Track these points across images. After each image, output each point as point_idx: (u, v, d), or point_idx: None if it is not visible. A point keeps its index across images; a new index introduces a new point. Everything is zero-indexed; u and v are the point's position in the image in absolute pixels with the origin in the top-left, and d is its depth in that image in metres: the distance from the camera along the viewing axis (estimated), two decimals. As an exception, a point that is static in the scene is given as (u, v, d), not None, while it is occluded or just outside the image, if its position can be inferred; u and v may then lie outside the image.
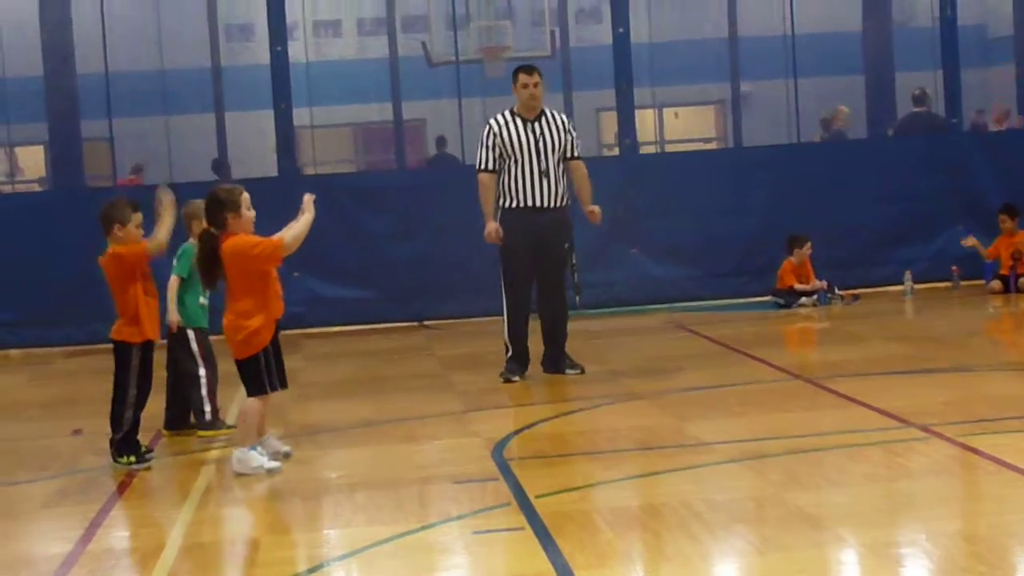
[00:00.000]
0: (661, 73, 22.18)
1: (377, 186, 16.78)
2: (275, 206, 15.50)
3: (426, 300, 16.01)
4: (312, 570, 6.31)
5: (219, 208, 8.35)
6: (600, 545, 6.38)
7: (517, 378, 11.14)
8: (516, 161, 11.05)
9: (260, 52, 19.41)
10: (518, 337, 11.25)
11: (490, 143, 11.13)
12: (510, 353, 11.28)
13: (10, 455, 9.67)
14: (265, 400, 8.44)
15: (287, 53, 16.30)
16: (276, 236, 8.37)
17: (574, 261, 11.36)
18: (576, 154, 11.29)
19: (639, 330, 14.50)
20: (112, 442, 8.81)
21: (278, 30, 16.33)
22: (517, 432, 9.21)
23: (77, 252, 15.61)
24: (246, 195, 8.41)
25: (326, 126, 24.69)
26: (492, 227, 11.06)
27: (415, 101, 24.65)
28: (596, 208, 11.27)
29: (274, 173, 16.67)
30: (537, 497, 7.26)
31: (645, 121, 23.98)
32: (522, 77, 11.17)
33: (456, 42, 20.60)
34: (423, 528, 6.90)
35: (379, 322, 15.86)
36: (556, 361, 11.29)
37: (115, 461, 8.76)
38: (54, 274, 15.50)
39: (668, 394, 10.40)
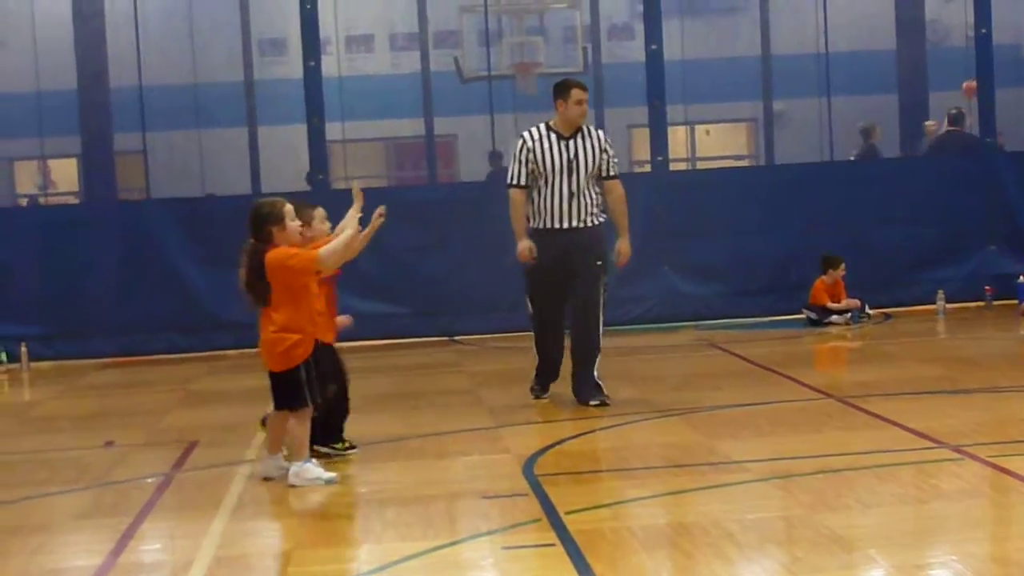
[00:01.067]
0: (693, 90, 22.12)
1: (408, 201, 16.80)
2: (307, 220, 15.65)
3: (456, 315, 16.02)
4: (342, 585, 6.32)
5: (263, 221, 8.37)
6: (631, 564, 6.37)
7: (545, 396, 11.01)
8: (547, 181, 10.63)
9: (293, 67, 19.49)
10: (544, 354, 11.01)
11: (523, 158, 10.70)
12: (537, 373, 11.13)
13: (42, 467, 9.70)
14: (307, 413, 8.45)
15: (320, 68, 16.35)
16: (315, 250, 8.43)
17: (606, 281, 10.81)
18: (612, 173, 10.81)
19: (669, 347, 14.47)
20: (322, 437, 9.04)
21: (311, 45, 16.39)
22: (547, 448, 9.20)
23: (109, 265, 15.76)
24: (289, 207, 8.44)
25: (358, 141, 24.71)
26: (524, 245, 10.68)
27: (447, 116, 24.67)
28: (625, 246, 10.88)
29: (306, 187, 16.73)
30: (568, 514, 7.25)
31: (677, 138, 23.97)
32: (576, 93, 10.66)
33: (488, 58, 20.62)
34: (453, 543, 6.90)
35: (409, 337, 15.87)
36: (580, 387, 10.75)
37: (329, 451, 9.08)
38: (86, 287, 15.58)
39: (698, 412, 10.38)
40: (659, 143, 16.71)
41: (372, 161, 28.68)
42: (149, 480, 8.90)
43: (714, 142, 28.19)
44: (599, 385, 10.70)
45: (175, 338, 15.76)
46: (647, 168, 17.93)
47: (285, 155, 22.46)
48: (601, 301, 10.73)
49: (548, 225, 10.70)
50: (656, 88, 16.56)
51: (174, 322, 15.73)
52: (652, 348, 14.45)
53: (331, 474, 8.42)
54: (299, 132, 16.98)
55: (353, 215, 8.74)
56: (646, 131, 17.12)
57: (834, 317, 15.38)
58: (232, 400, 12.44)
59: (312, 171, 16.49)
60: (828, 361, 14.17)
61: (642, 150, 20.04)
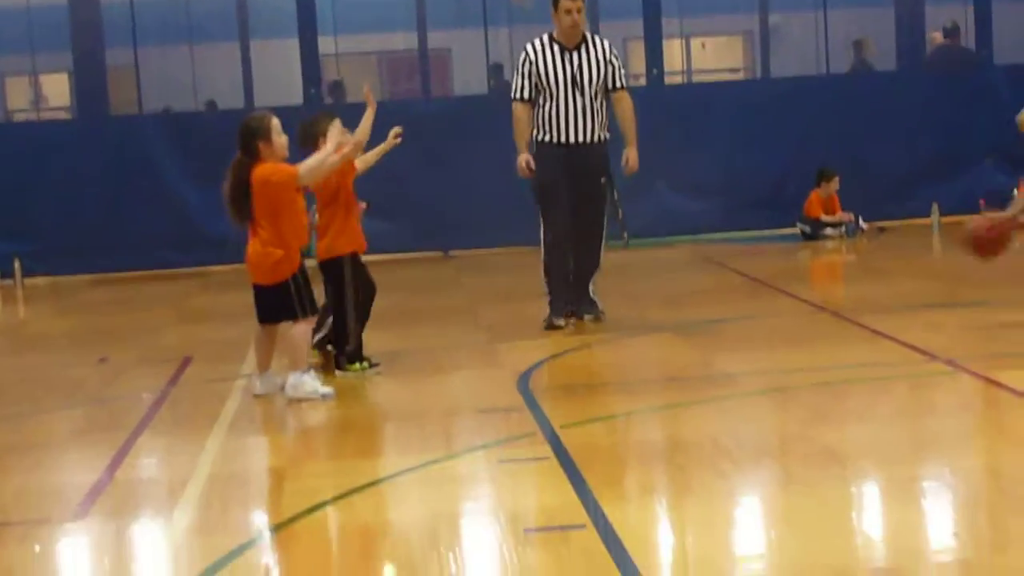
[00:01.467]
0: (689, 3, 21.95)
1: (403, 115, 16.68)
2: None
3: (452, 231, 15.99)
4: (338, 498, 6.33)
5: (250, 136, 8.36)
6: (625, 477, 6.40)
7: (562, 323, 10.42)
8: (551, 95, 10.34)
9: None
10: (557, 280, 10.54)
11: (525, 71, 10.44)
12: (551, 298, 10.58)
13: (37, 384, 9.72)
14: (305, 324, 8.46)
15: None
16: (298, 166, 8.42)
17: (616, 196, 10.62)
18: (620, 84, 10.48)
19: (665, 263, 14.48)
20: (340, 354, 9.03)
21: (303, -42, 16.24)
22: (542, 363, 9.21)
23: (102, 180, 15.71)
24: (275, 120, 8.42)
25: (351, 54, 24.54)
26: (523, 159, 10.44)
27: (441, 30, 24.48)
28: (633, 155, 10.56)
29: (300, 101, 16.63)
30: (562, 427, 7.27)
31: (672, 51, 23.80)
32: (564, 2, 10.31)
33: (483, -30, 20.40)
34: (449, 457, 6.92)
35: (406, 252, 15.85)
36: (576, 301, 10.60)
37: (343, 369, 8.98)
38: (79, 203, 15.54)
39: (694, 326, 10.38)
40: (655, 56, 16.62)
41: (365, 75, 28.50)
42: (144, 396, 8.92)
43: (709, 55, 28.01)
44: (594, 300, 10.62)
45: (168, 254, 15.75)
46: (642, 82, 17.82)
47: (278, 69, 22.31)
48: (605, 219, 10.55)
49: (555, 139, 10.41)
50: (652, 1, 16.43)
51: (167, 238, 15.70)
52: (647, 263, 14.44)
53: (327, 388, 8.43)
54: (292, 46, 16.87)
55: (366, 119, 8.81)
56: (642, 44, 17.00)
57: (828, 230, 15.38)
58: (225, 316, 12.43)
59: (305, 85, 16.39)
60: (823, 275, 14.17)
61: (637, 63, 19.92)
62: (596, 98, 10.40)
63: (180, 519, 6.14)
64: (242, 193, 8.35)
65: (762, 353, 9.24)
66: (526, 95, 10.49)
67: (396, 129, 9.03)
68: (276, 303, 8.43)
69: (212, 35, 23.32)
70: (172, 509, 6.29)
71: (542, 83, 10.41)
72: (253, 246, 8.43)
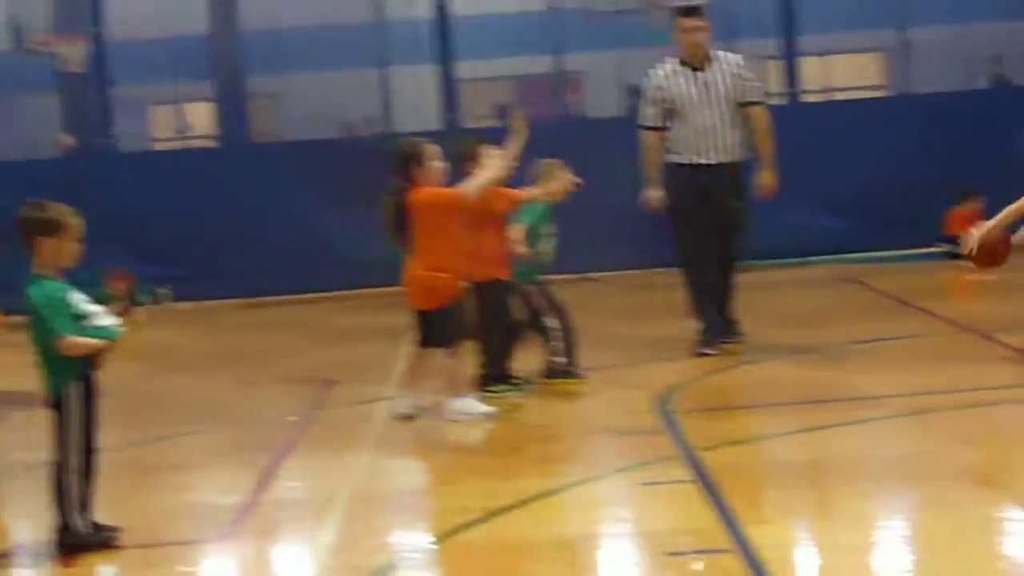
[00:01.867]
0: (826, 20, 21.78)
1: (538, 138, 16.77)
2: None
3: (588, 252, 15.99)
4: (480, 520, 6.38)
5: (406, 161, 8.45)
6: (767, 500, 6.37)
7: (712, 351, 10.13)
8: (682, 115, 10.18)
9: (423, 6, 19.51)
10: (700, 305, 10.33)
11: (652, 96, 10.32)
12: (702, 326, 10.30)
13: (185, 406, 9.91)
14: (462, 350, 8.54)
15: (450, 7, 16.38)
16: (462, 187, 8.49)
17: (748, 224, 10.37)
18: (752, 99, 10.20)
19: (805, 282, 14.36)
20: (483, 376, 9.03)
21: (440, -16, 16.43)
22: (682, 385, 9.19)
23: (246, 206, 15.99)
24: (431, 147, 8.50)
25: (487, 79, 24.72)
26: (651, 196, 10.28)
27: (576, 53, 24.55)
28: (767, 177, 10.28)
29: (438, 127, 16.80)
30: (703, 450, 7.25)
31: (810, 69, 23.63)
32: (682, 21, 10.17)
33: (617, -7, 20.48)
34: (589, 480, 6.94)
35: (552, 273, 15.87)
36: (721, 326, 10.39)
37: (490, 392, 8.95)
38: (224, 229, 15.82)
39: (834, 347, 10.29)
40: (791, 74, 16.52)
41: (501, 99, 28.66)
42: (289, 418, 9.05)
43: (846, 72, 27.75)
44: (735, 322, 10.47)
45: (310, 278, 15.96)
46: (779, 100, 17.73)
47: (415, 95, 22.54)
48: (742, 243, 10.37)
49: (687, 160, 10.23)
50: (788, 19, 16.35)
51: (308, 262, 15.92)
52: (786, 283, 14.34)
53: (490, 408, 8.48)
54: (429, 72, 17.04)
55: (514, 145, 8.80)
56: (778, 62, 16.92)
57: (972, 250, 15.14)
58: (366, 339, 12.58)
59: (443, 110, 16.55)
60: (965, 295, 13.95)
61: (774, 82, 19.81)
62: (728, 116, 10.16)
63: (326, 539, 6.23)
64: (400, 217, 8.42)
65: (904, 374, 9.13)
66: (652, 122, 10.35)
67: (516, 114, 9.12)
68: (436, 328, 8.48)
69: (351, 62, 23.61)
70: (318, 529, 6.38)
71: (672, 104, 10.25)
72: (414, 270, 8.49)
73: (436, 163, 8.48)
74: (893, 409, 8.06)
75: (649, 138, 10.38)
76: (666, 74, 10.32)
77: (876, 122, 16.40)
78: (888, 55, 27.25)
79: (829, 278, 14.50)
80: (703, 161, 10.19)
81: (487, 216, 8.90)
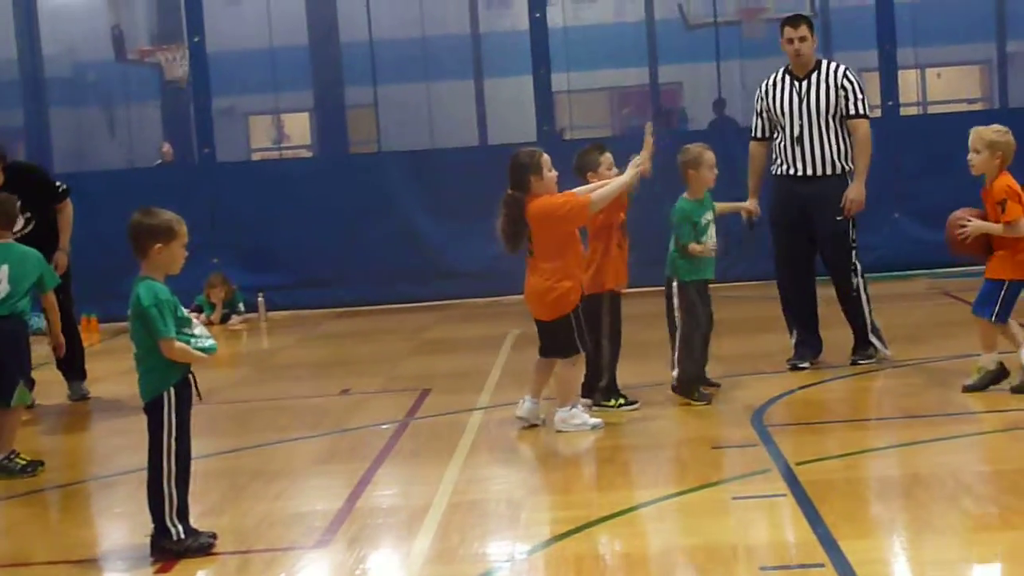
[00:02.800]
0: (924, 33, 21.61)
1: (634, 149, 16.77)
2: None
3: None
4: (575, 531, 6.39)
5: (522, 171, 8.43)
6: (864, 515, 6.33)
7: (806, 364, 10.09)
8: (781, 126, 10.14)
9: (519, 18, 19.60)
10: (797, 318, 10.27)
11: (758, 107, 10.32)
12: (794, 339, 10.28)
13: (282, 413, 10.01)
14: (579, 360, 8.53)
15: (545, 19, 16.43)
16: (583, 194, 8.47)
17: (854, 238, 10.17)
18: (853, 112, 10.04)
19: (902, 296, 14.23)
20: (596, 389, 9.02)
21: (537, -4, 16.47)
22: (777, 398, 9.15)
23: (342, 215, 16.13)
24: (546, 157, 8.51)
25: (583, 91, 24.76)
26: (747, 206, 10.15)
27: (672, 64, 24.53)
28: (854, 191, 10.04)
29: (533, 138, 16.83)
30: (798, 464, 7.23)
31: (908, 82, 23.45)
32: (786, 31, 10.10)
33: (714, 4, 20.42)
34: (683, 492, 6.93)
35: (636, 286, 15.84)
36: (855, 346, 10.22)
37: (601, 406, 8.96)
38: (321, 238, 15.96)
39: (933, 362, 10.20)
40: (890, 87, 16.40)
41: (597, 110, 28.69)
42: (385, 426, 9.12)
43: (945, 85, 27.50)
44: (870, 342, 10.20)
45: (406, 287, 16.05)
46: (877, 113, 17.60)
47: (511, 106, 22.62)
48: (850, 259, 10.14)
49: (784, 171, 10.19)
50: (886, 31, 16.24)
51: (405, 271, 16.02)
52: (884, 297, 14.15)
53: (596, 420, 8.49)
54: (525, 83, 17.09)
55: (643, 156, 8.82)
56: (875, 75, 16.79)
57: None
58: (463, 348, 12.65)
59: (539, 121, 16.60)
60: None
61: (873, 94, 19.67)
62: (829, 127, 10.06)
63: (419, 548, 6.27)
64: (517, 227, 8.40)
65: (1005, 391, 9.02)
66: (758, 133, 10.36)
67: (647, 126, 9.21)
68: (558, 338, 8.47)
69: (447, 73, 23.76)
70: (412, 538, 6.43)
71: (773, 113, 10.22)
72: (535, 281, 8.46)
73: (552, 173, 8.47)
74: (990, 425, 7.99)
75: (752, 147, 10.41)
76: (770, 84, 10.29)
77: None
78: (986, 68, 27.00)
79: (926, 292, 14.37)
80: (798, 172, 10.13)
81: (604, 226, 8.91)
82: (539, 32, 16.36)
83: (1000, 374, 8.77)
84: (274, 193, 16.20)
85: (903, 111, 18.09)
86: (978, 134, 8.91)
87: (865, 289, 10.24)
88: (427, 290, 16.00)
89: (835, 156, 10.08)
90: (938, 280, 15.07)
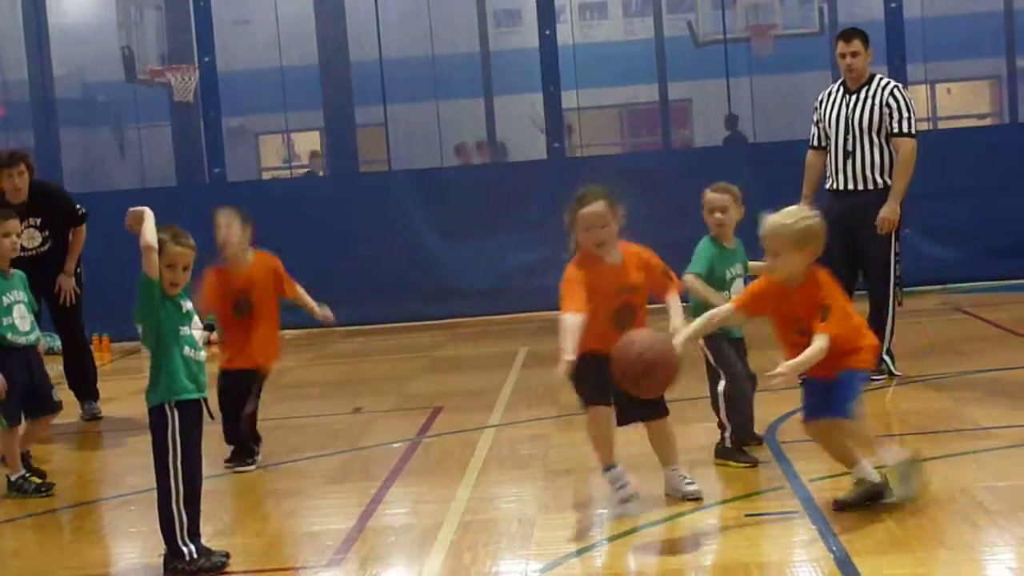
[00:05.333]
0: (934, 48, 21.64)
1: (643, 167, 16.81)
2: (545, 188, 15.79)
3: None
4: (587, 549, 6.40)
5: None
6: (878, 531, 6.31)
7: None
8: (830, 138, 10.17)
9: (528, 36, 19.65)
10: None
11: (814, 116, 10.36)
12: None
13: (294, 432, 10.01)
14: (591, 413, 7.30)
15: (555, 36, 16.47)
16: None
17: (897, 252, 10.17)
18: (896, 130, 9.98)
19: (914, 312, 14.20)
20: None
21: (546, 14, 16.51)
22: (789, 415, 9.12)
23: (353, 235, 16.14)
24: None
25: (593, 108, 24.81)
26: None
27: (681, 81, 24.58)
28: (885, 210, 9.97)
29: (543, 156, 16.87)
30: (811, 481, 7.22)
31: (917, 97, 23.50)
32: (839, 45, 10.17)
33: (723, 21, 20.48)
34: (695, 510, 6.92)
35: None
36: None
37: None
38: (331, 257, 15.97)
39: (945, 378, 10.19)
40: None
41: (607, 128, 28.75)
42: (396, 445, 9.12)
43: (955, 100, 27.53)
44: (883, 359, 10.11)
45: (417, 306, 16.06)
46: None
47: (521, 125, 22.68)
48: (890, 276, 10.11)
49: (832, 185, 10.19)
50: (896, 47, 16.25)
51: (416, 291, 16.03)
52: (897, 312, 14.18)
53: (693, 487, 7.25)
54: (535, 101, 17.13)
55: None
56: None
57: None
58: (474, 366, 12.65)
59: (548, 139, 16.63)
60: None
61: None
62: (874, 143, 10.03)
63: (432, 567, 6.27)
64: None
65: (1016, 405, 9.02)
66: (814, 142, 10.37)
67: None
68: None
69: (457, 92, 23.82)
70: (424, 557, 6.42)
71: (824, 124, 10.26)
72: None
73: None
74: (1004, 440, 7.96)
75: (808, 156, 10.43)
76: (826, 95, 10.34)
77: (985, 150, 16.23)
78: (996, 83, 27.02)
79: (938, 308, 14.36)
80: (844, 187, 10.15)
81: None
82: (549, 50, 16.38)
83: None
84: (284, 213, 16.22)
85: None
86: (776, 232, 6.67)
87: (895, 306, 10.21)
88: (438, 309, 16.00)
89: (878, 172, 10.07)
90: (950, 296, 15.06)
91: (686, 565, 6.07)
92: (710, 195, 8.23)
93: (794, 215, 6.72)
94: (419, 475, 8.27)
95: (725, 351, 8.14)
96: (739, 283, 8.05)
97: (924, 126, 24.03)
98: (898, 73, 16.36)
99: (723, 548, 6.36)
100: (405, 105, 21.97)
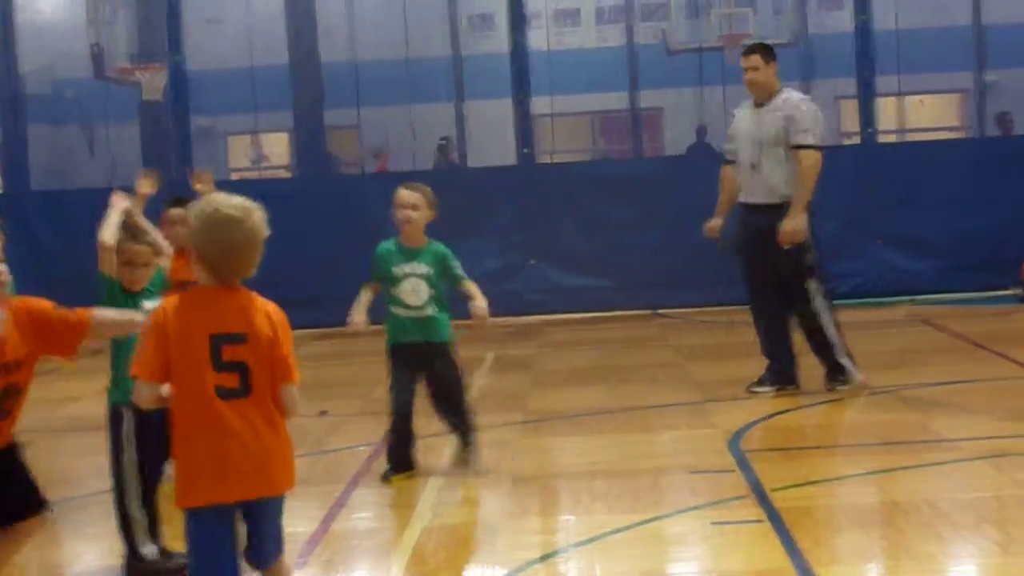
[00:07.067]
0: (904, 61, 21.71)
1: (614, 175, 16.83)
2: (514, 193, 15.79)
3: (662, 289, 15.99)
4: (550, 555, 6.38)
5: None
6: (841, 542, 6.32)
7: (764, 390, 10.12)
8: (738, 152, 10.22)
9: (500, 41, 19.62)
10: (764, 346, 10.30)
11: (729, 132, 10.49)
12: (770, 364, 10.26)
13: (258, 434, 9.93)
14: None
15: (527, 42, 16.47)
16: None
17: (809, 264, 9.97)
18: (795, 142, 9.89)
19: (880, 323, 14.26)
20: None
21: (519, 20, 16.53)
22: (754, 424, 9.14)
23: (323, 237, 16.08)
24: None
25: (564, 115, 24.80)
26: (710, 223, 10.31)
27: (653, 90, 24.59)
28: (787, 224, 9.77)
29: (513, 161, 16.85)
30: (775, 490, 7.22)
31: (888, 109, 23.56)
32: (741, 60, 10.28)
33: (696, 30, 20.51)
34: (660, 517, 6.92)
35: (614, 310, 15.89)
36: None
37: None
38: (299, 259, 15.92)
39: (910, 389, 10.21)
40: (868, 115, 16.46)
41: (578, 135, 28.75)
42: (361, 448, 9.09)
43: (924, 113, 27.63)
44: (839, 366, 10.10)
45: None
46: (856, 140, 17.67)
47: (492, 129, 22.64)
48: (803, 284, 10.00)
49: (741, 198, 10.23)
50: (865, 59, 16.31)
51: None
52: (863, 324, 14.22)
53: None
54: (506, 106, 17.11)
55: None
56: (854, 102, 16.87)
57: (1046, 294, 14.98)
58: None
59: (518, 145, 16.62)
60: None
61: (851, 121, 19.74)
62: (770, 156, 9.99)
63: (395, 572, 6.24)
64: None
65: (980, 418, 9.05)
66: (727, 157, 10.41)
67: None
68: None
69: (428, 96, 23.76)
70: (387, 562, 6.40)
71: (734, 139, 10.32)
72: None
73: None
74: (968, 452, 7.98)
75: (722, 170, 10.44)
76: (738, 109, 10.43)
77: (954, 163, 16.29)
78: (966, 96, 27.13)
79: (904, 320, 14.40)
80: (748, 200, 10.15)
81: None
82: (520, 56, 16.38)
83: None
84: (253, 214, 16.16)
85: (882, 138, 18.17)
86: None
87: (827, 313, 10.08)
88: (406, 312, 15.94)
89: (783, 185, 9.98)
90: (918, 308, 15.11)
91: (650, 573, 6.06)
92: (401, 192, 8.52)
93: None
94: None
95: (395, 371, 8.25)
96: (417, 283, 8.28)
97: (892, 138, 24.17)
98: (867, 85, 16.44)
99: (688, 556, 6.36)
100: (376, 108, 21.92)
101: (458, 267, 8.23)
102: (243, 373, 4.86)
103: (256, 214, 5.01)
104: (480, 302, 8.02)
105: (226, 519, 4.82)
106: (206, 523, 4.80)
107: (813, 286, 10.04)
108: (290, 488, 4.91)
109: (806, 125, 9.95)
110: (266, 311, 4.91)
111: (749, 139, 10.10)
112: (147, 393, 4.85)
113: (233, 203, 4.98)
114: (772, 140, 9.97)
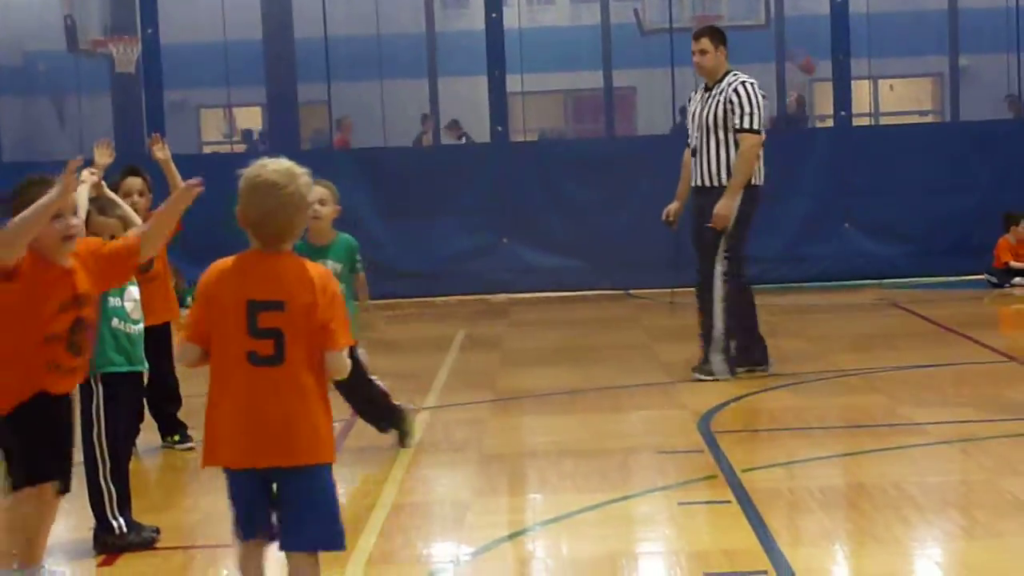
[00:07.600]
0: (878, 44, 21.74)
1: (586, 154, 16.83)
2: (487, 171, 15.78)
3: (632, 270, 16.00)
4: (518, 534, 6.40)
5: None
6: (808, 523, 6.35)
7: (703, 377, 9.98)
8: (690, 136, 10.20)
9: (475, 18, 19.58)
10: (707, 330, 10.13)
11: (687, 116, 10.44)
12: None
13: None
14: None
15: (502, 20, 16.44)
16: None
17: (725, 249, 9.86)
18: (738, 126, 9.86)
19: (850, 307, 14.31)
20: None
21: (494, -3, 16.48)
22: (723, 405, 9.17)
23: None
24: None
25: (537, 92, 24.79)
26: (668, 207, 10.32)
27: (626, 69, 24.60)
28: (720, 205, 9.77)
29: (487, 139, 16.84)
30: (743, 471, 7.25)
31: (860, 93, 23.61)
32: (693, 44, 10.13)
33: (670, 10, 20.47)
34: (628, 497, 6.94)
35: (585, 290, 15.90)
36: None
37: None
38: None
39: (879, 372, 10.26)
40: (843, 98, 16.49)
41: (551, 113, 28.74)
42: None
43: (897, 97, 27.70)
44: (706, 360, 10.03)
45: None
46: (829, 123, 17.71)
47: (465, 107, 22.61)
48: (715, 272, 9.93)
49: (692, 181, 10.17)
50: (840, 42, 16.33)
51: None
52: (832, 307, 14.30)
53: None
54: (480, 83, 17.08)
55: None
56: (828, 85, 16.89)
57: (1016, 279, 15.04)
58: (411, 348, 12.59)
59: (492, 123, 16.59)
60: (1012, 323, 13.88)
61: (825, 105, 19.78)
62: (712, 139, 9.94)
63: (363, 548, 6.24)
64: None
65: (949, 402, 9.10)
66: (688, 141, 10.31)
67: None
68: None
69: (402, 72, 23.72)
70: (355, 538, 6.38)
71: (688, 126, 10.30)
72: None
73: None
74: (935, 436, 8.03)
75: (684, 154, 10.35)
76: (694, 95, 10.34)
77: (925, 147, 16.33)
78: (938, 80, 27.22)
79: (874, 304, 14.45)
80: (695, 182, 10.09)
81: None
82: (495, 33, 16.35)
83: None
84: (224, 187, 16.09)
85: (855, 121, 18.20)
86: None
87: (723, 304, 9.96)
88: (376, 289, 15.84)
89: (724, 169, 9.92)
90: (886, 291, 15.16)
91: (617, 552, 6.08)
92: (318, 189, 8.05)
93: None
94: (353, 456, 8.20)
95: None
96: None
97: (865, 121, 24.22)
98: (842, 68, 16.47)
99: (655, 536, 6.39)
100: (349, 84, 21.86)
101: (360, 259, 8.32)
102: (278, 340, 4.79)
103: (301, 179, 5.02)
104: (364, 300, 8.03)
105: (257, 483, 4.82)
106: (237, 482, 4.84)
107: (719, 270, 9.92)
108: (317, 460, 4.86)
109: (747, 108, 9.89)
110: (308, 277, 4.86)
111: (696, 123, 10.07)
112: (190, 355, 4.94)
113: (278, 167, 5.00)
114: (714, 123, 9.93)
